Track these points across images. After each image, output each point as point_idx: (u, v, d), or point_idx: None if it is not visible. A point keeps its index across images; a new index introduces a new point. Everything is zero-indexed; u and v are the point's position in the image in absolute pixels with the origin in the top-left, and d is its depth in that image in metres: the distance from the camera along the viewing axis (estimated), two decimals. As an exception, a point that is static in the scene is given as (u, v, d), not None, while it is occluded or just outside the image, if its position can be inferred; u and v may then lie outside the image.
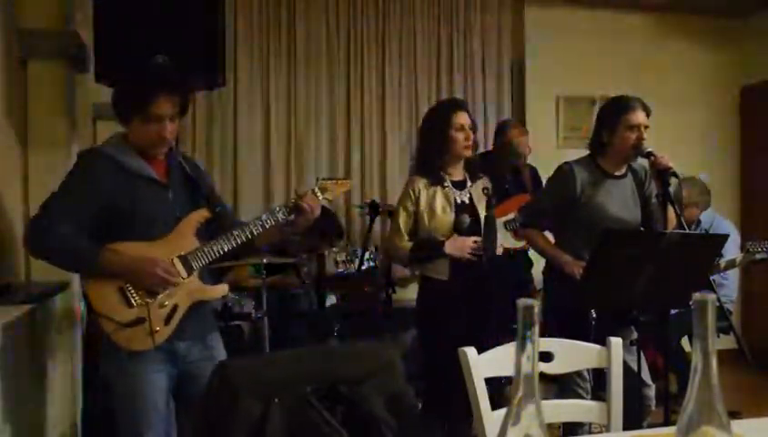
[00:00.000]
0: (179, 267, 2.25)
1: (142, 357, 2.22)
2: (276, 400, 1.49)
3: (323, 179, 2.56)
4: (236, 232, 2.32)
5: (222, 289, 2.43)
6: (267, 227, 2.37)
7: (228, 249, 2.32)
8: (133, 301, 2.19)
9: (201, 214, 2.34)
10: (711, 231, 4.28)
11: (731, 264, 4.01)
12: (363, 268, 4.25)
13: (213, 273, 2.50)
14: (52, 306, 2.90)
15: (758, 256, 3.89)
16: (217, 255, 2.31)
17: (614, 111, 2.95)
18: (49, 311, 2.89)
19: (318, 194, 2.46)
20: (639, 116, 2.89)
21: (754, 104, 6.00)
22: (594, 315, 2.63)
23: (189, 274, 2.27)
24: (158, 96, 2.19)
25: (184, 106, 2.29)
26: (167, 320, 2.23)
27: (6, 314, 2.40)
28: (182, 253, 2.27)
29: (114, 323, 2.17)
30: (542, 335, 1.77)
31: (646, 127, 2.91)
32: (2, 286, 2.53)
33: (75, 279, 3.12)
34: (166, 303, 2.23)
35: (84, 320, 3.50)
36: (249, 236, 2.33)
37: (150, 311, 2.19)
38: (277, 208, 2.41)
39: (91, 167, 2.23)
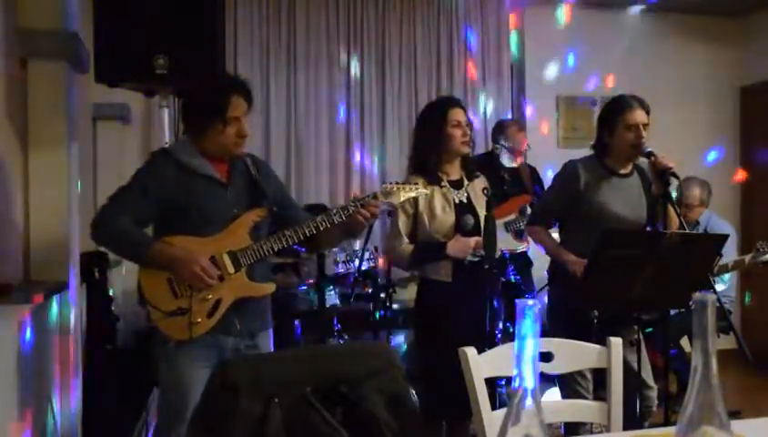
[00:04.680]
0: (228, 262, 2.33)
1: (189, 350, 2.30)
2: (276, 400, 1.49)
3: (389, 183, 2.58)
4: (288, 233, 2.37)
5: (269, 287, 2.47)
6: (322, 228, 2.40)
7: (280, 248, 2.38)
8: (178, 292, 2.29)
9: (257, 213, 2.41)
10: (708, 232, 4.27)
11: (739, 264, 3.98)
12: (363, 268, 4.24)
13: (267, 272, 2.54)
14: (52, 306, 2.90)
15: (767, 256, 3.86)
16: (268, 253, 2.38)
17: (613, 111, 2.96)
18: (49, 311, 2.89)
19: (381, 197, 2.48)
20: (637, 116, 2.89)
21: (754, 104, 6.00)
22: (596, 314, 2.63)
23: (237, 270, 2.34)
24: (232, 98, 2.34)
25: (251, 103, 2.44)
26: (210, 313, 2.32)
27: (6, 314, 2.40)
28: (232, 249, 2.34)
29: (159, 312, 2.30)
30: (544, 335, 1.78)
31: (645, 125, 2.90)
32: (2, 286, 2.53)
33: (75, 280, 3.12)
34: (210, 297, 2.31)
35: (84, 318, 3.50)
36: (303, 236, 2.38)
37: (193, 303, 2.29)
38: (334, 211, 2.43)
39: (156, 165, 2.38)
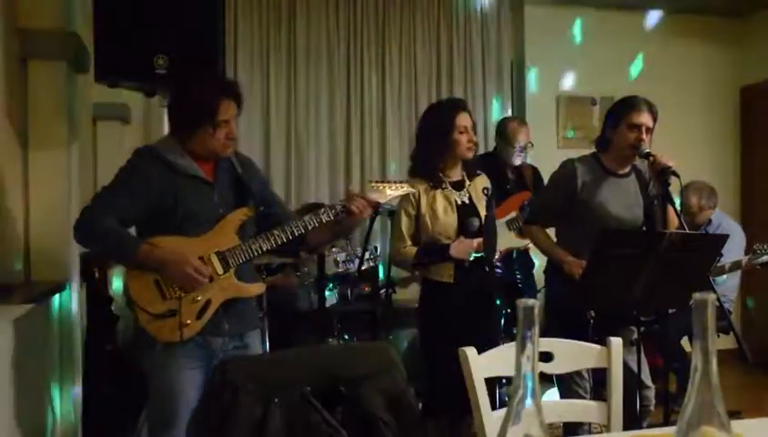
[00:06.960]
0: (216, 263, 2.30)
1: (177, 351, 2.27)
2: (276, 399, 1.49)
3: (375, 182, 2.57)
4: (276, 232, 2.34)
5: (258, 287, 2.46)
6: (311, 228, 2.38)
7: (268, 248, 2.35)
8: (166, 294, 2.25)
9: (244, 212, 2.38)
10: (720, 232, 4.25)
11: (736, 266, 3.98)
12: (363, 268, 4.24)
13: (254, 272, 2.52)
14: (52, 306, 2.90)
15: (764, 258, 3.85)
16: (256, 253, 2.35)
17: (620, 109, 2.96)
18: (49, 311, 2.89)
19: (369, 195, 2.46)
20: (642, 117, 2.88)
21: (754, 104, 6.00)
22: (592, 314, 2.62)
23: (226, 271, 2.31)
24: (222, 102, 2.29)
25: (240, 105, 2.39)
26: (199, 315, 2.28)
27: (6, 314, 2.40)
28: (220, 249, 2.31)
29: (147, 314, 2.25)
30: (542, 334, 1.78)
31: (649, 128, 2.90)
32: (2, 286, 2.53)
33: (75, 280, 3.12)
34: (199, 298, 2.28)
35: (84, 318, 3.50)
36: (290, 236, 2.35)
37: (182, 305, 2.25)
38: (323, 210, 2.41)
39: (141, 164, 2.32)
